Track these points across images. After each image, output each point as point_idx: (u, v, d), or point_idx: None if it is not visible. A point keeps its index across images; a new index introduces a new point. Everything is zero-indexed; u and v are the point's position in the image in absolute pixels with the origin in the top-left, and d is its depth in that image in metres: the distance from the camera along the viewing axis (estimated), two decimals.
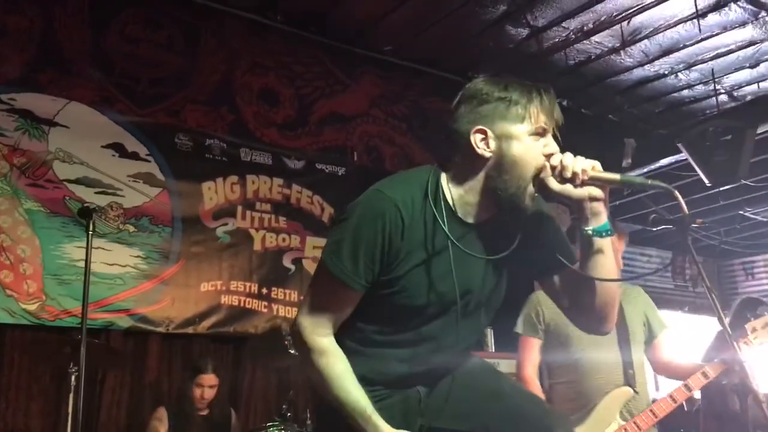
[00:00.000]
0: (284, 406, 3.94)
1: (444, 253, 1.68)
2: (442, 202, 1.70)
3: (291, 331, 1.83)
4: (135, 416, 4.28)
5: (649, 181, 1.65)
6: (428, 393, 1.84)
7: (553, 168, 1.63)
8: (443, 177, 1.74)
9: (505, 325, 3.27)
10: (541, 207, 1.79)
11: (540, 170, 1.64)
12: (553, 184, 1.63)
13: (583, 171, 1.61)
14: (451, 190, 1.72)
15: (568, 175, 1.61)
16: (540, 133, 1.67)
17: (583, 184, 1.62)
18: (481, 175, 1.69)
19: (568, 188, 1.63)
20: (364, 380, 1.74)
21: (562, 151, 1.69)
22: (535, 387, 3.02)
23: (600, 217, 1.67)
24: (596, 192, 1.65)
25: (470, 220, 1.72)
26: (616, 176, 1.65)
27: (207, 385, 4.14)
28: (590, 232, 1.68)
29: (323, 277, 1.72)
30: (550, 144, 1.68)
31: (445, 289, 1.70)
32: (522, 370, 3.10)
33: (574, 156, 1.66)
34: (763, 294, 8.54)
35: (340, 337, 1.77)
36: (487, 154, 1.66)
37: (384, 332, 1.77)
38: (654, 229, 3.07)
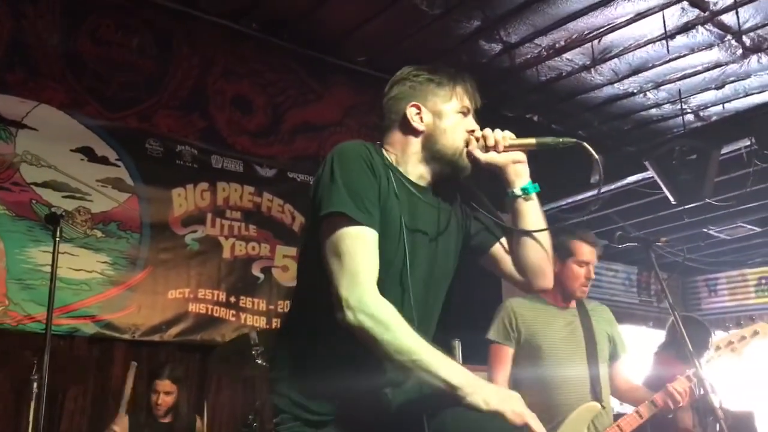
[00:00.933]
0: (250, 417, 3.91)
1: (400, 201, 1.76)
2: (390, 164, 1.84)
3: (344, 320, 1.58)
4: (98, 425, 4.21)
5: (561, 139, 1.85)
6: (396, 395, 1.78)
7: (477, 140, 1.86)
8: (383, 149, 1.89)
9: (474, 337, 3.28)
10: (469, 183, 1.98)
11: (467, 143, 1.87)
12: (480, 153, 1.85)
13: (503, 138, 1.86)
14: (391, 158, 1.87)
15: (491, 143, 1.85)
16: (464, 113, 1.90)
17: (505, 150, 1.85)
18: (417, 146, 1.86)
19: (493, 155, 1.86)
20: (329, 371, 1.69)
21: None
22: None
23: (523, 177, 1.89)
24: (518, 155, 1.88)
25: (417, 181, 1.87)
26: (532, 140, 1.88)
27: (162, 391, 4.08)
28: (519, 192, 1.88)
29: (346, 235, 1.62)
30: (472, 123, 1.91)
31: (398, 230, 1.73)
32: (493, 378, 3.05)
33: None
34: (724, 310, 8.71)
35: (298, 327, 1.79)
36: (421, 127, 1.86)
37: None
38: (619, 246, 3.13)
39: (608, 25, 5.03)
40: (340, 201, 1.63)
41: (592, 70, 5.66)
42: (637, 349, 8.45)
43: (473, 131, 1.89)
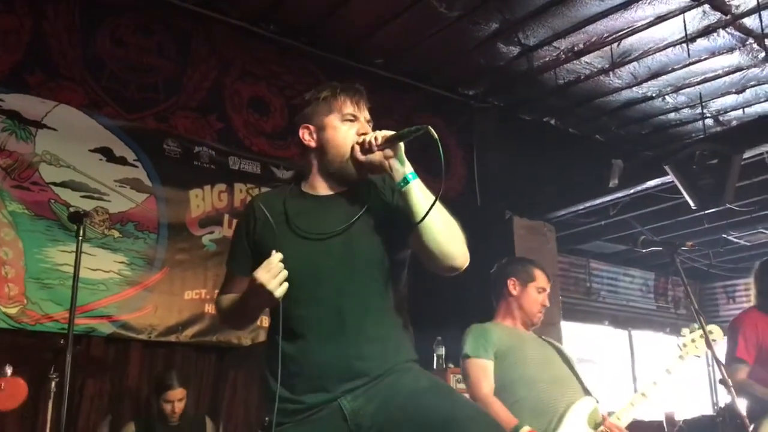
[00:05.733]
0: (266, 418, 3.89)
1: (286, 228, 2.00)
2: (296, 189, 2.10)
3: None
4: (114, 424, 4.22)
5: (413, 128, 1.91)
6: (355, 409, 1.84)
7: (358, 144, 1.99)
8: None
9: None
10: (384, 178, 2.07)
11: (353, 149, 2.00)
12: (359, 155, 1.98)
13: (375, 138, 1.95)
14: (303, 178, 2.11)
15: (366, 146, 1.96)
16: (350, 120, 2.05)
17: (379, 148, 1.94)
18: (313, 160, 2.08)
19: (369, 156, 1.97)
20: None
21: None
22: (496, 404, 2.92)
23: (398, 170, 1.95)
24: (388, 152, 1.95)
25: (322, 193, 2.06)
26: (394, 133, 1.95)
27: (176, 400, 4.11)
28: (401, 185, 1.93)
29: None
30: (362, 128, 2.04)
31: (291, 259, 1.91)
32: (478, 390, 3.01)
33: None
34: None
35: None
36: (313, 144, 2.07)
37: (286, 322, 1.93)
38: (643, 251, 3.11)
39: (628, 28, 4.99)
40: (228, 260, 2.16)
41: (611, 73, 5.63)
42: (654, 355, 8.42)
43: (363, 135, 2.01)
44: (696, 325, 3.12)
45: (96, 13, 4.59)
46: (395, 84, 5.81)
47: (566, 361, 3.17)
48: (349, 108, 2.06)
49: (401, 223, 1.96)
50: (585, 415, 2.94)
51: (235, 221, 4.85)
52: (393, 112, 5.83)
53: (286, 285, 1.86)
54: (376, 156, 1.95)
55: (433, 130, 1.86)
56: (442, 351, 5.02)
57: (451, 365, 4.95)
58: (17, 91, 4.22)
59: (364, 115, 2.09)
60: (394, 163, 1.95)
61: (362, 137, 1.99)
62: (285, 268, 1.87)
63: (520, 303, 3.24)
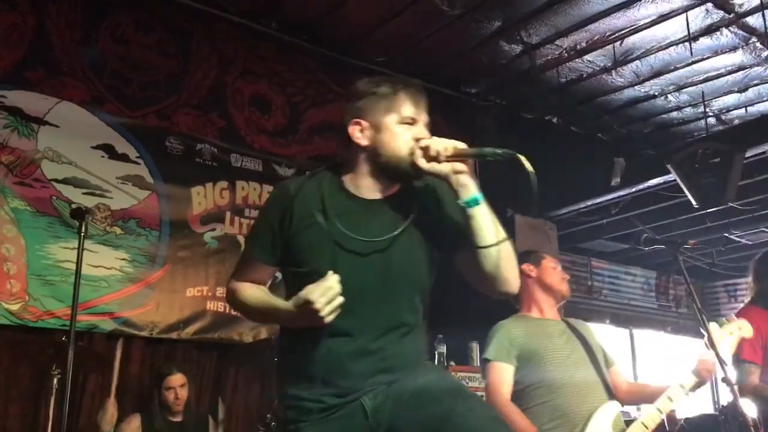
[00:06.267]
0: (268, 416, 3.91)
1: (331, 229, 1.88)
2: (335, 182, 1.96)
3: (226, 294, 2.16)
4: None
5: (499, 151, 1.81)
6: (376, 406, 1.83)
7: (420, 149, 1.87)
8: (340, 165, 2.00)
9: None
10: (432, 184, 1.97)
11: (411, 153, 1.88)
12: (422, 163, 1.86)
13: (445, 149, 1.84)
14: (343, 173, 1.97)
15: (432, 154, 1.85)
16: (409, 123, 1.91)
17: (447, 160, 1.84)
18: (362, 160, 1.93)
19: (434, 165, 1.85)
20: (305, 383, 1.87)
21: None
22: (513, 411, 2.89)
23: (467, 188, 1.85)
24: (458, 166, 1.85)
25: (367, 196, 1.94)
26: (470, 149, 1.86)
27: (178, 386, 4.12)
28: (468, 204, 1.84)
29: (242, 252, 2.12)
30: (420, 132, 1.92)
31: (330, 262, 1.84)
32: (497, 395, 2.97)
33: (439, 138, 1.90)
34: None
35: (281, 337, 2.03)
36: (364, 143, 1.92)
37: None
38: (645, 249, 3.10)
39: (630, 26, 4.99)
40: (249, 241, 2.13)
41: (613, 72, 5.62)
42: (655, 354, 8.42)
43: (419, 140, 1.89)
44: (723, 320, 3.10)
45: (98, 11, 4.60)
46: None
47: (592, 357, 3.09)
48: (409, 110, 1.92)
49: (451, 239, 1.91)
50: (609, 421, 2.89)
51: (237, 219, 4.89)
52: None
53: (337, 312, 1.76)
54: (443, 167, 1.84)
55: (524, 160, 1.74)
56: (443, 349, 5.02)
57: (452, 363, 4.95)
58: (19, 88, 4.22)
59: (423, 117, 1.95)
60: (465, 179, 1.85)
61: (426, 143, 1.87)
62: (319, 270, 1.79)
63: (542, 281, 3.20)
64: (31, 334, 4.05)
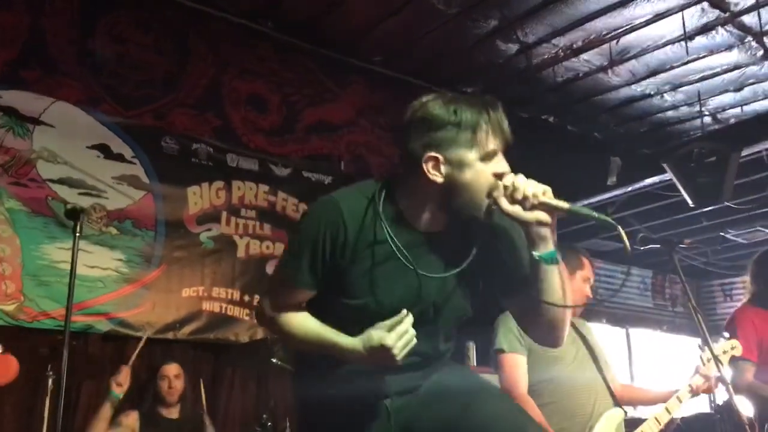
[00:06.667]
0: (264, 416, 3.90)
1: (390, 260, 1.73)
2: (391, 209, 1.76)
3: (256, 313, 2.00)
4: (111, 421, 4.20)
5: (595, 214, 1.67)
6: (399, 407, 1.83)
7: (505, 188, 1.67)
8: (393, 188, 1.81)
9: (485, 340, 3.23)
10: (501, 221, 1.78)
11: (492, 189, 1.69)
12: (505, 204, 1.66)
13: (534, 195, 1.65)
14: (400, 200, 1.78)
15: (519, 197, 1.65)
16: (490, 155, 1.71)
17: (533, 208, 1.65)
18: (434, 196, 1.74)
19: (517, 210, 1.65)
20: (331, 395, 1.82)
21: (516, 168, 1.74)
22: (531, 407, 2.86)
23: (547, 242, 1.69)
24: (543, 217, 1.67)
25: (420, 228, 1.78)
26: (566, 205, 1.66)
27: (172, 375, 4.11)
28: (537, 257, 1.70)
29: (279, 272, 1.91)
30: (500, 162, 1.73)
31: (389, 295, 1.75)
32: (515, 388, 2.93)
33: (527, 179, 1.69)
34: None
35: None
36: (439, 180, 1.70)
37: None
38: (642, 248, 3.10)
39: (627, 25, 4.99)
40: (287, 261, 1.86)
41: (610, 71, 5.62)
42: (651, 353, 8.42)
43: (502, 175, 1.71)
44: (722, 341, 3.16)
45: (93, 10, 4.58)
46: (393, 81, 5.80)
47: (594, 357, 3.10)
48: (493, 143, 1.71)
49: (512, 285, 1.82)
50: (612, 427, 2.89)
51: (233, 219, 4.88)
52: (391, 109, 5.83)
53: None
54: (527, 216, 1.65)
55: (623, 234, 1.62)
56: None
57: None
58: (14, 88, 4.21)
59: (502, 147, 1.75)
60: (546, 232, 1.68)
61: (512, 183, 1.67)
62: (378, 303, 1.73)
63: None
64: (27, 335, 4.03)
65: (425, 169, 1.70)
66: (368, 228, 1.74)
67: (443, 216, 1.77)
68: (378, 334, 1.68)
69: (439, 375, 1.88)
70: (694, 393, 3.05)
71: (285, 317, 1.85)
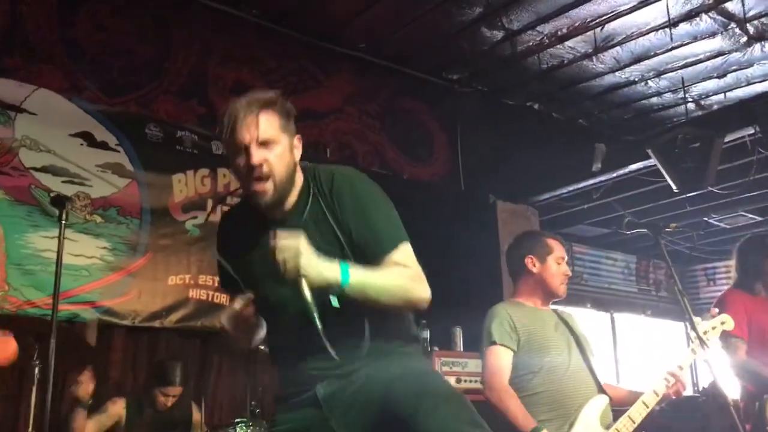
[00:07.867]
0: (252, 403, 3.91)
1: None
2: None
3: None
4: (97, 411, 4.20)
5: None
6: (329, 395, 1.85)
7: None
8: None
9: (475, 326, 3.25)
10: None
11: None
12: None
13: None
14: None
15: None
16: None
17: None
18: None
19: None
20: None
21: None
22: (511, 397, 2.88)
23: (328, 286, 1.75)
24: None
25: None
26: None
27: (172, 395, 4.11)
28: (337, 296, 1.75)
29: None
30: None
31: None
32: (497, 380, 2.93)
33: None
34: None
35: None
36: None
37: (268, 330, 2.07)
38: (628, 232, 3.13)
39: (611, 12, 5.01)
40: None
41: (594, 58, 5.64)
42: (636, 337, 8.51)
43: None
44: (710, 318, 3.15)
45: None
46: (378, 68, 5.79)
47: (581, 347, 3.11)
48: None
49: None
50: (597, 414, 2.90)
51: (219, 206, 4.84)
52: (377, 97, 5.82)
53: None
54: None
55: None
56: (426, 334, 5.04)
57: (436, 348, 4.98)
58: None
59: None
60: (319, 283, 1.73)
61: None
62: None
63: (542, 279, 3.14)
64: (11, 324, 4.00)
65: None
66: (245, 222, 2.07)
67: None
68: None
69: (376, 365, 1.83)
70: (664, 398, 3.02)
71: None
